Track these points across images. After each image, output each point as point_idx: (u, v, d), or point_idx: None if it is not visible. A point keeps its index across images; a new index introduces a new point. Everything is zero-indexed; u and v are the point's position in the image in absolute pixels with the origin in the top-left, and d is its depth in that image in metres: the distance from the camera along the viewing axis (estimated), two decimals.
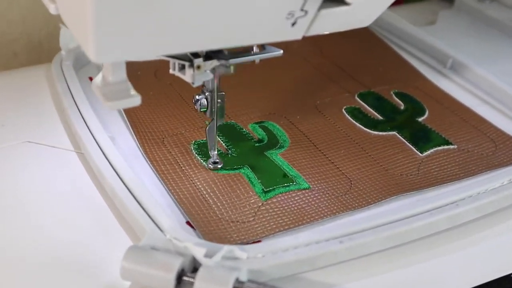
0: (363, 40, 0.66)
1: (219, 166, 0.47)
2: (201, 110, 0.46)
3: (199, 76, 0.41)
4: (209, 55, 0.41)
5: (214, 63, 0.42)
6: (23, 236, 0.41)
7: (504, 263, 0.42)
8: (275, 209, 0.44)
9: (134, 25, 0.34)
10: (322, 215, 0.43)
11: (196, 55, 0.41)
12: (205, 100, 0.45)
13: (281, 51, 0.45)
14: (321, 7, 0.39)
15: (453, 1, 0.74)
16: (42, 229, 0.42)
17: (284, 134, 0.51)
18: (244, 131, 0.51)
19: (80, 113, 0.50)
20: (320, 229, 0.42)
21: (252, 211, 0.44)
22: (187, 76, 0.41)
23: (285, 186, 0.46)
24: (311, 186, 0.46)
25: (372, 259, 0.41)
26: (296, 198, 0.45)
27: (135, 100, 0.39)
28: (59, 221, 0.43)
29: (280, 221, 0.43)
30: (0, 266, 0.39)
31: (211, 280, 0.36)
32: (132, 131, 0.51)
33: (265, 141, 0.50)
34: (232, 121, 0.52)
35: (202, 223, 0.42)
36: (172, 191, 0.45)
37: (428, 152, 0.50)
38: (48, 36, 0.67)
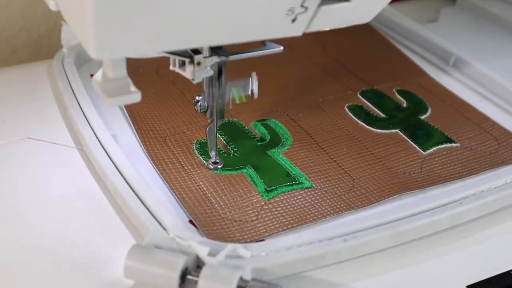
0: (365, 37, 0.66)
1: (219, 166, 0.47)
2: (201, 111, 0.46)
3: (199, 72, 0.41)
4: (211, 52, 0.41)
5: (214, 59, 0.42)
6: (23, 234, 0.41)
7: (508, 261, 0.42)
8: (278, 208, 0.44)
9: (134, 21, 0.34)
10: (325, 214, 0.43)
11: (196, 51, 0.41)
12: (205, 101, 0.45)
13: (281, 47, 0.44)
14: (321, 3, 0.39)
15: None
16: (43, 227, 0.42)
17: (286, 132, 0.51)
18: (246, 130, 0.51)
19: (82, 110, 0.50)
20: (323, 228, 0.42)
21: (255, 210, 0.43)
22: (187, 72, 0.41)
23: (288, 185, 0.46)
24: (313, 185, 0.46)
25: (376, 258, 0.41)
26: (298, 197, 0.45)
27: (135, 96, 0.39)
28: (60, 219, 0.42)
29: (283, 220, 0.43)
30: (0, 263, 0.39)
31: (215, 279, 0.36)
32: (134, 128, 0.50)
33: (267, 140, 0.50)
34: (234, 119, 0.52)
35: (205, 222, 0.42)
36: (175, 190, 0.45)
37: (431, 150, 0.50)
38: (48, 32, 0.67)
